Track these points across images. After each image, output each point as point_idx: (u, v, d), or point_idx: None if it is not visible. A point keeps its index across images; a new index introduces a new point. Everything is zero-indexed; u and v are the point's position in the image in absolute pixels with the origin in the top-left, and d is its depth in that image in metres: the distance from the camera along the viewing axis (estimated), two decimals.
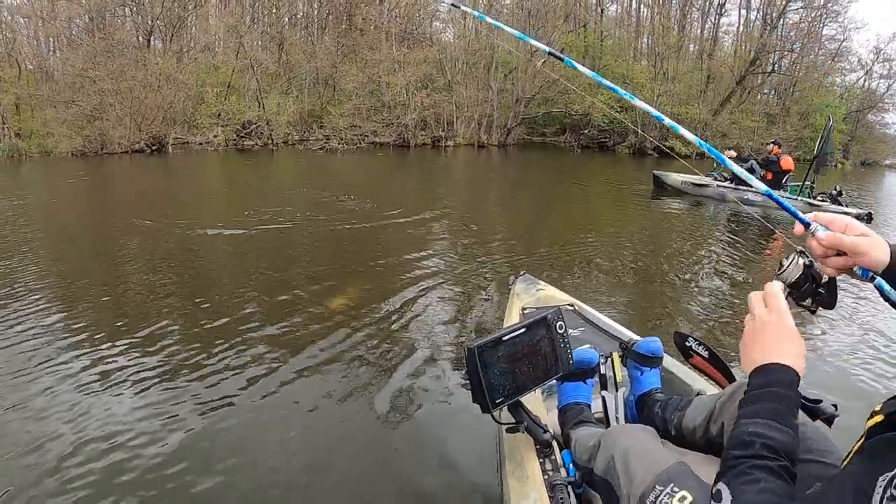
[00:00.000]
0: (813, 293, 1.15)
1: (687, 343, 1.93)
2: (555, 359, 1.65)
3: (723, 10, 30.40)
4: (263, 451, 2.58)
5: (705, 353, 1.87)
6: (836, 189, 10.50)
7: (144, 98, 17.45)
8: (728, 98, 27.31)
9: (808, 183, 10.77)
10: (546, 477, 1.57)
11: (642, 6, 31.86)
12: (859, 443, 0.86)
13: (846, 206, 10.17)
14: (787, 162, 10.84)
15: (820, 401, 1.37)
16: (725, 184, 11.27)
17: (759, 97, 31.01)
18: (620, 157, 24.23)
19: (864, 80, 34.30)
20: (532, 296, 2.87)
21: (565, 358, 1.68)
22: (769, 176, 10.84)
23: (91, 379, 3.19)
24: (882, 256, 1.02)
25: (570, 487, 1.51)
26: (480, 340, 1.52)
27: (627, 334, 2.34)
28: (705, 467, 1.39)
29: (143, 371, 3.30)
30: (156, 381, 3.18)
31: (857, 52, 37.49)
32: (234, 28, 21.06)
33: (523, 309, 2.70)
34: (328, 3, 25.17)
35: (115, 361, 3.41)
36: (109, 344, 3.65)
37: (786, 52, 28.94)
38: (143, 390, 3.07)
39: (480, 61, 24.28)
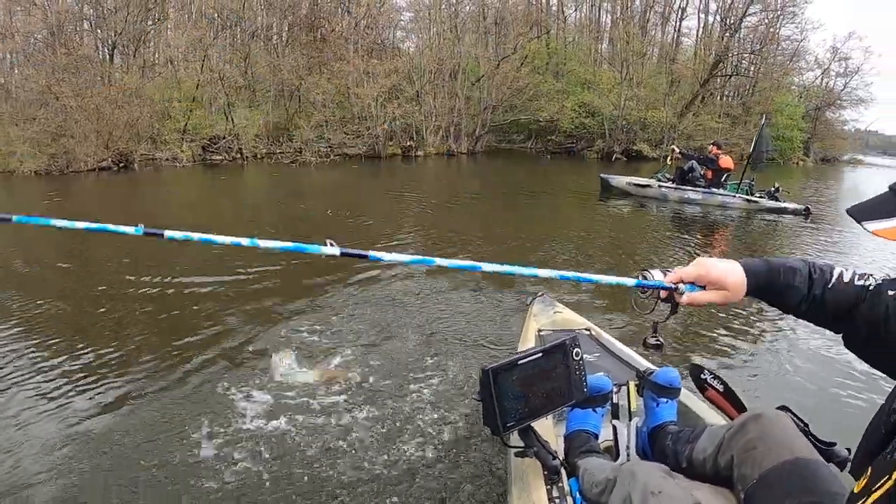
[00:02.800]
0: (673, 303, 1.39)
1: (702, 376, 1.91)
2: (569, 385, 1.62)
3: (684, 14, 31.17)
4: (269, 471, 2.61)
5: (720, 387, 1.84)
6: (774, 186, 11.12)
7: (110, 114, 17.16)
8: (692, 101, 27.92)
9: (748, 181, 11.31)
10: None
11: (602, 12, 32.42)
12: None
13: (783, 202, 10.92)
14: (725, 161, 11.35)
15: (834, 444, 1.39)
16: (667, 184, 11.74)
17: (720, 99, 31.77)
18: (589, 162, 24.52)
19: (822, 79, 35.48)
20: (548, 318, 2.82)
21: (580, 385, 1.65)
22: (709, 175, 11.32)
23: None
24: (737, 297, 1.26)
25: None
26: (496, 362, 1.52)
27: (644, 363, 2.28)
28: (715, 500, 1.41)
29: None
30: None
31: (815, 51, 38.56)
32: (199, 41, 20.80)
33: (539, 330, 2.67)
34: (291, 14, 24.94)
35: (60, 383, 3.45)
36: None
37: (745, 55, 29.71)
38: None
39: (446, 70, 24.36)
